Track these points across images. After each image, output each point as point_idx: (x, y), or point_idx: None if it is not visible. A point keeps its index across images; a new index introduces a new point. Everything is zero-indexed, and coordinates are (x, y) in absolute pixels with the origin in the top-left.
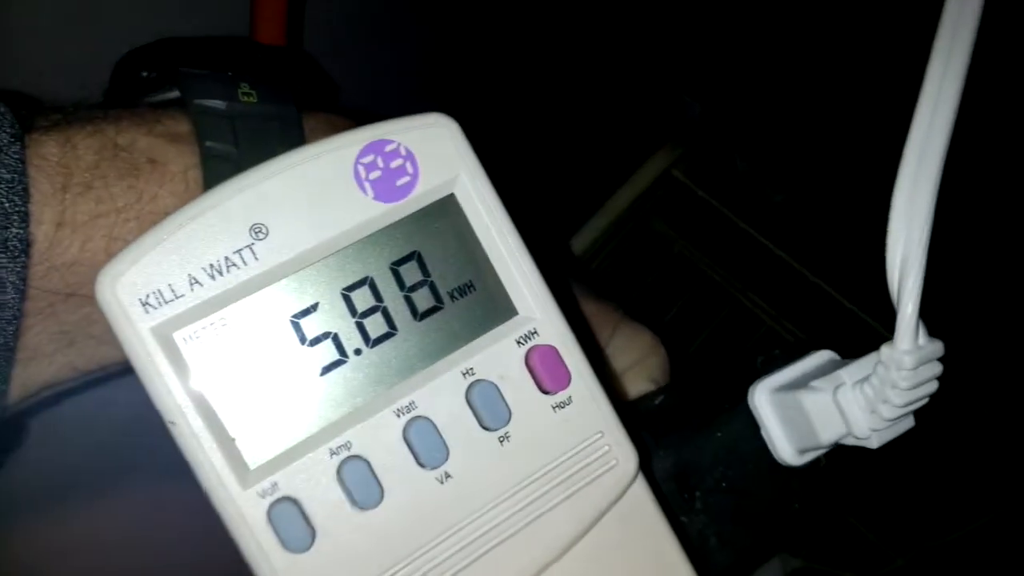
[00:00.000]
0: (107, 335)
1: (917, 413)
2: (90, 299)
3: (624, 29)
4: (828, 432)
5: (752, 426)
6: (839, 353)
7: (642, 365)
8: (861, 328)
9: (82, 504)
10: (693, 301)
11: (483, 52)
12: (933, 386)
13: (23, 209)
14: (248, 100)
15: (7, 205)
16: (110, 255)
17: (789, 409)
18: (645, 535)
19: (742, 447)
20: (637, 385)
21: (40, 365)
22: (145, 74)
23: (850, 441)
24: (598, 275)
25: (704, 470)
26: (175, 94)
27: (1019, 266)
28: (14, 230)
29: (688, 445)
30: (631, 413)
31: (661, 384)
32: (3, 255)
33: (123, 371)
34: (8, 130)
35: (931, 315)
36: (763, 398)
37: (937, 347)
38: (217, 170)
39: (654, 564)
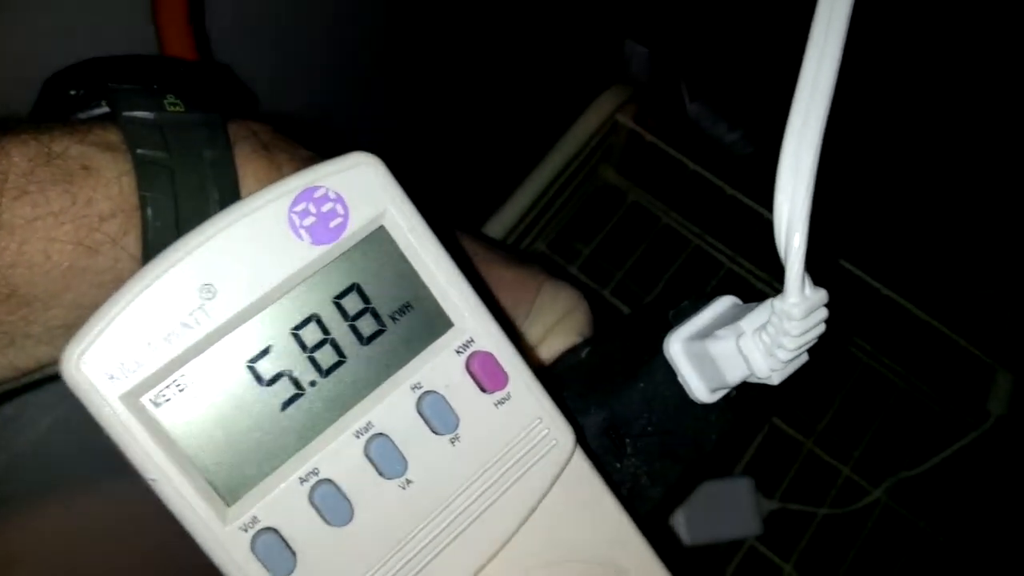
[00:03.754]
0: (46, 335)
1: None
2: (29, 300)
3: None
4: (734, 374)
5: (670, 373)
6: None
7: (568, 320)
8: None
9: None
10: (651, 248)
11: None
12: (821, 328)
13: None
14: (175, 110)
15: None
16: (48, 256)
17: (699, 356)
18: (588, 499)
19: (663, 392)
20: (565, 339)
21: None
22: (73, 92)
23: (753, 379)
24: (550, 229)
25: (632, 418)
26: (104, 110)
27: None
28: None
29: (616, 398)
30: (559, 382)
31: (587, 336)
32: None
33: (55, 376)
34: None
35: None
36: (677, 348)
37: (822, 295)
38: (150, 175)
39: (598, 523)
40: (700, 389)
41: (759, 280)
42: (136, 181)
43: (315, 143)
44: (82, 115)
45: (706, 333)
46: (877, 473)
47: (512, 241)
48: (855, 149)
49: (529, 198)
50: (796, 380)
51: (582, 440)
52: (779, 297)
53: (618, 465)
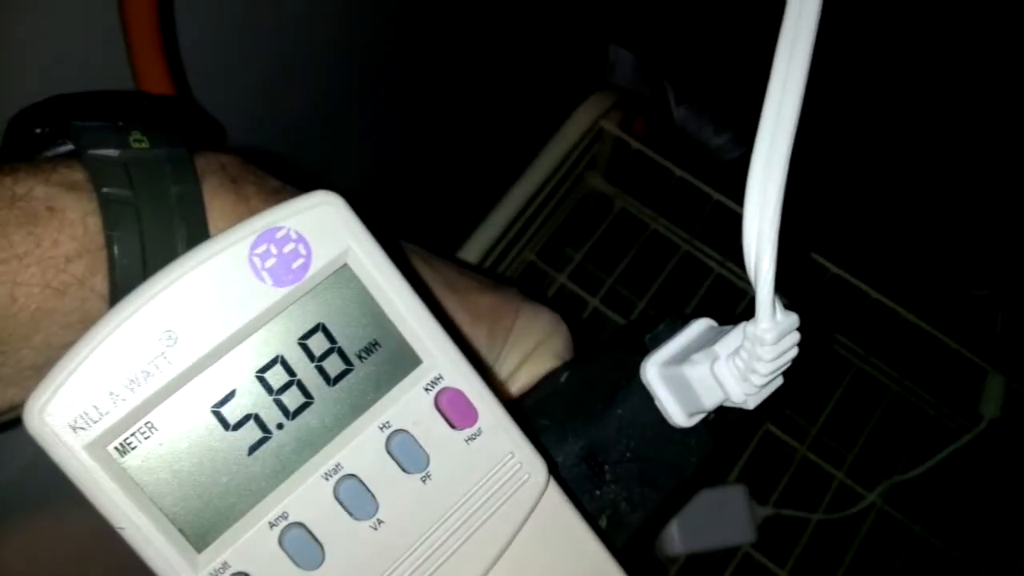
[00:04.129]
0: (16, 376)
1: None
2: None
3: None
4: (710, 399)
5: (647, 399)
6: None
7: (547, 344)
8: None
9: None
10: (640, 255)
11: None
12: (794, 352)
13: None
14: (140, 146)
15: None
16: (15, 300)
17: (676, 381)
18: (563, 532)
19: (641, 418)
20: (544, 364)
21: None
22: (39, 130)
23: (730, 403)
24: (538, 238)
25: (610, 445)
26: (69, 147)
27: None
28: None
29: (593, 425)
30: (536, 410)
31: (566, 359)
32: None
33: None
34: None
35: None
36: (653, 373)
37: (793, 319)
38: (115, 214)
39: (575, 556)
40: (678, 414)
41: (750, 285)
42: (102, 220)
43: (295, 163)
44: (48, 153)
45: (682, 357)
46: (871, 478)
47: (499, 251)
48: (842, 156)
49: (515, 207)
50: (787, 387)
51: (556, 472)
52: (751, 322)
53: (597, 492)
